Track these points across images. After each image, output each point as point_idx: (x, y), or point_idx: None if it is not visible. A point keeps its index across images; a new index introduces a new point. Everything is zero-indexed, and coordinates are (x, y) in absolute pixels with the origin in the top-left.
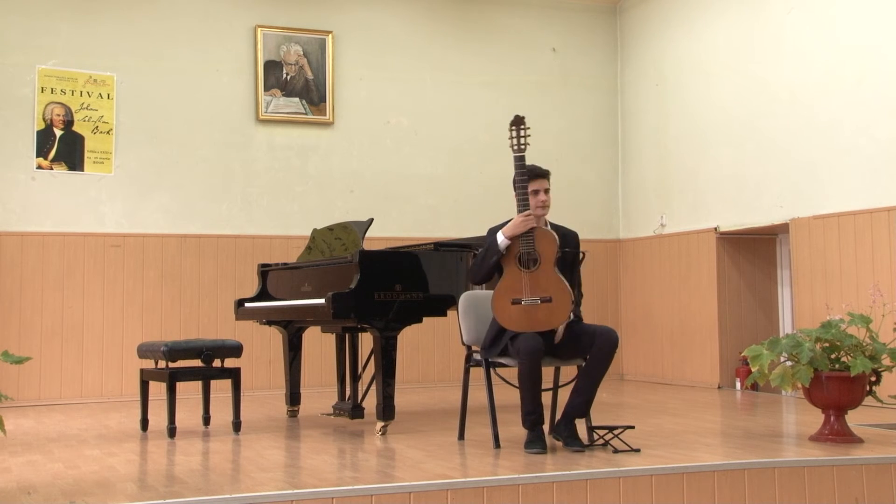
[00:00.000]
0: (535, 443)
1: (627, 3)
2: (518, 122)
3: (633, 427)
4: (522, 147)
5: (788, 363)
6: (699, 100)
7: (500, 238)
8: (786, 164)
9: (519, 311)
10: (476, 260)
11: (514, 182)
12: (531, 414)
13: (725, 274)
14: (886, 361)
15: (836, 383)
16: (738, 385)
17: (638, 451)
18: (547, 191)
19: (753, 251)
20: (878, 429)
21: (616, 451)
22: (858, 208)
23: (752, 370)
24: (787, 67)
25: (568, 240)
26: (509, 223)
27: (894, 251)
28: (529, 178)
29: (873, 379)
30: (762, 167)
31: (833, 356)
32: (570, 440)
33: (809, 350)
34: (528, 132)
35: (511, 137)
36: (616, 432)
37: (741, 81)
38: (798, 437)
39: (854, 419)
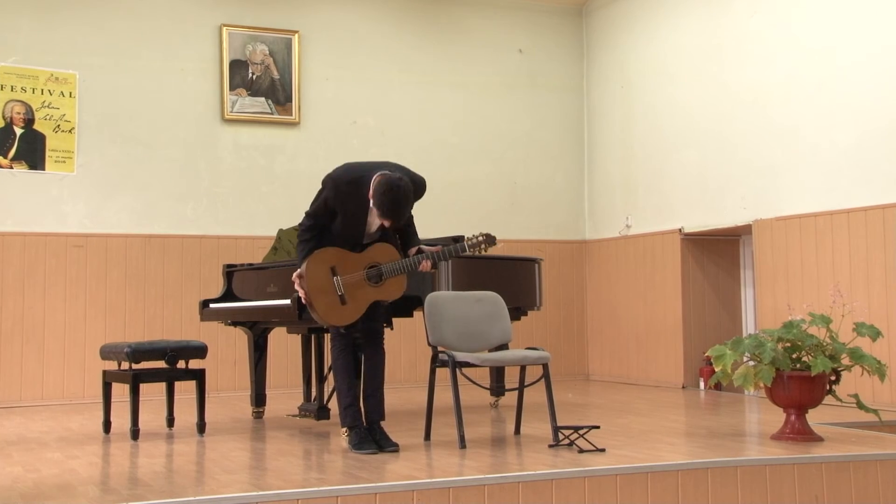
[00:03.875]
0: (368, 442)
1: (593, 4)
2: (493, 243)
3: (598, 427)
4: (473, 251)
5: (751, 363)
6: (664, 102)
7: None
8: (749, 167)
9: (323, 276)
10: (302, 244)
11: (446, 252)
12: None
13: (690, 275)
14: (846, 361)
15: (798, 383)
16: (702, 385)
17: (603, 450)
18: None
19: (717, 252)
20: (838, 427)
21: (581, 450)
22: (819, 210)
23: (716, 370)
24: (750, 71)
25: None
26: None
27: (854, 253)
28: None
29: (833, 378)
30: (726, 169)
31: (794, 356)
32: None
33: (771, 350)
34: (484, 250)
35: (477, 238)
36: (581, 432)
37: (705, 84)
38: (760, 436)
39: (814, 418)
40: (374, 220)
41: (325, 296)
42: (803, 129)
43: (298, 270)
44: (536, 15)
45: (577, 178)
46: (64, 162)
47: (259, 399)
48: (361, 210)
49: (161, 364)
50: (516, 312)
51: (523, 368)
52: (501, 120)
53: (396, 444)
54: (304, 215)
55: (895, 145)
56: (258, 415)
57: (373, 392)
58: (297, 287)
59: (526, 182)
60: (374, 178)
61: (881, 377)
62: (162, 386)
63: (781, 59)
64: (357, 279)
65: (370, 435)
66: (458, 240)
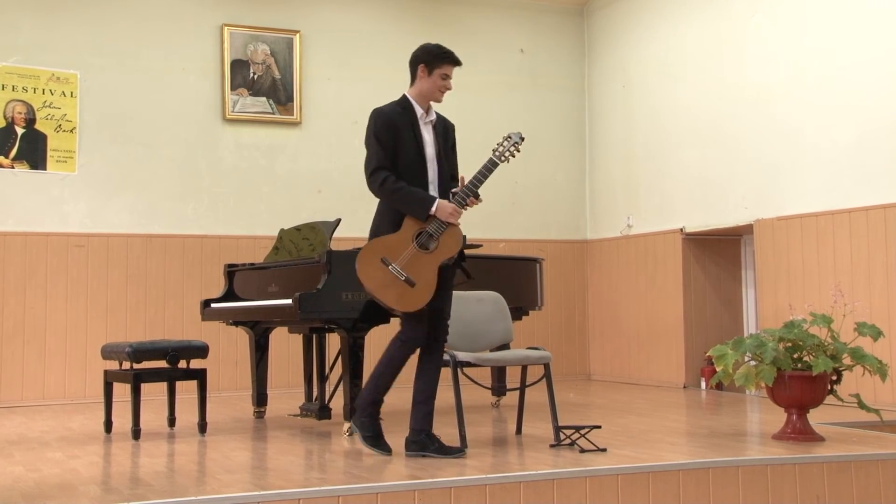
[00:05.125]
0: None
1: (595, 4)
2: (518, 140)
3: (599, 427)
4: (504, 159)
5: (752, 363)
6: (665, 101)
7: (434, 207)
8: (750, 166)
9: (380, 272)
10: (400, 194)
11: (478, 176)
12: (377, 404)
13: (691, 274)
14: (847, 361)
15: (799, 382)
16: (703, 385)
17: (604, 450)
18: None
19: (719, 252)
20: (839, 427)
21: (583, 450)
22: (820, 210)
23: (717, 370)
24: (752, 70)
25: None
26: (441, 204)
27: (855, 252)
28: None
29: (834, 378)
30: (727, 169)
31: (796, 356)
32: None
33: (773, 350)
34: (516, 151)
35: (502, 145)
36: (583, 432)
37: (706, 84)
38: (761, 436)
39: (816, 418)
40: (428, 136)
41: (390, 289)
42: (805, 128)
43: (447, 205)
44: (538, 15)
45: (578, 177)
46: (65, 162)
47: (260, 399)
48: (413, 125)
49: (162, 364)
50: (517, 312)
51: (524, 368)
52: (502, 120)
53: (461, 449)
54: (372, 173)
55: (893, 146)
56: (259, 414)
57: (426, 399)
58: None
59: (527, 182)
60: (414, 51)
61: (882, 377)
62: (163, 386)
63: (782, 58)
64: (411, 255)
65: (429, 443)
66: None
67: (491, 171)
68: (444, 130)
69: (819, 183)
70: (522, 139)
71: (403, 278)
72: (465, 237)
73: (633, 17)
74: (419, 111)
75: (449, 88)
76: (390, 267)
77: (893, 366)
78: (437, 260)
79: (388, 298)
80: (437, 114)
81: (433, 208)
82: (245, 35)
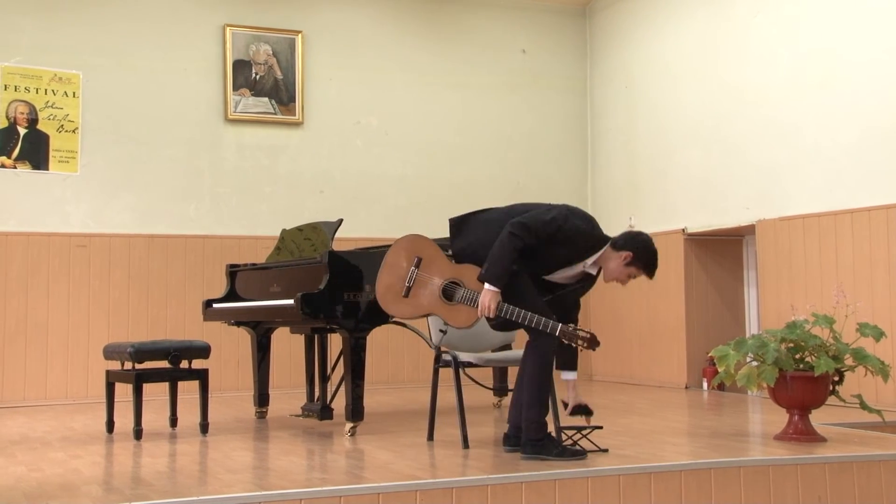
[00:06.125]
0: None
1: (597, 5)
2: (588, 342)
3: (601, 427)
4: (567, 339)
5: (754, 363)
6: (667, 102)
7: (491, 287)
8: (752, 167)
9: (403, 262)
10: (505, 255)
11: (530, 318)
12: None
13: (693, 275)
14: (849, 361)
15: (801, 383)
16: (705, 385)
17: (606, 451)
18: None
19: (721, 252)
20: (841, 428)
21: (585, 451)
22: (822, 210)
23: (719, 370)
24: (753, 71)
25: None
26: (494, 293)
27: (857, 253)
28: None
29: (836, 379)
30: (729, 169)
31: (798, 356)
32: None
33: (774, 350)
34: (578, 346)
35: (578, 334)
36: (585, 432)
37: (708, 84)
38: (763, 437)
39: (817, 418)
40: (564, 275)
41: (389, 277)
42: (806, 128)
43: (496, 298)
44: (539, 15)
45: (580, 178)
46: (67, 162)
47: (262, 399)
48: (572, 262)
49: (164, 364)
50: None
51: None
52: (504, 120)
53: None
54: (521, 231)
55: (895, 145)
56: (261, 415)
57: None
58: (485, 311)
59: (529, 182)
60: (631, 235)
61: (884, 378)
62: (165, 386)
63: (784, 58)
64: (430, 284)
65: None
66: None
67: (539, 326)
68: (579, 282)
69: (821, 183)
70: (594, 346)
71: (407, 285)
72: (588, 410)
73: (635, 17)
74: (588, 263)
75: (624, 284)
76: (412, 268)
77: (895, 366)
78: (436, 309)
79: (380, 280)
80: (590, 274)
81: (490, 286)
82: (247, 35)
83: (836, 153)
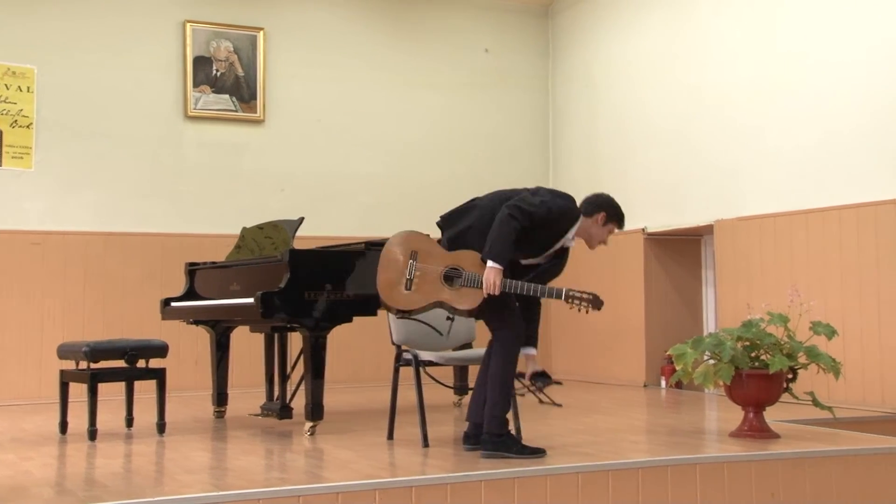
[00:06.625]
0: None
1: (559, 5)
2: (594, 304)
3: (560, 383)
4: (571, 303)
5: (711, 361)
6: (628, 102)
7: (493, 265)
8: (711, 167)
9: (401, 256)
10: (505, 236)
11: (535, 289)
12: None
13: (653, 274)
14: (802, 359)
15: (756, 381)
16: (664, 383)
17: (560, 405)
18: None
19: (680, 252)
20: (794, 424)
21: (541, 402)
22: (779, 211)
23: (677, 369)
24: (713, 72)
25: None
26: (497, 271)
27: (811, 253)
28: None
29: (790, 376)
30: (689, 169)
31: (753, 354)
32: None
33: (731, 349)
34: (584, 309)
35: (581, 296)
36: (541, 384)
37: (668, 85)
38: (719, 434)
39: (772, 415)
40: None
41: (389, 272)
42: (765, 130)
43: (500, 275)
44: (502, 14)
45: (542, 177)
46: (21, 158)
47: (221, 398)
48: (555, 239)
49: (120, 363)
50: None
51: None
52: (470, 119)
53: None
54: (518, 214)
55: (853, 149)
56: (219, 414)
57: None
58: (491, 288)
59: (494, 181)
60: (594, 198)
61: (836, 375)
62: (121, 386)
63: (744, 61)
64: (431, 273)
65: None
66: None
67: (550, 297)
68: (553, 259)
69: (778, 184)
70: (598, 306)
71: (407, 278)
72: (547, 376)
73: (597, 17)
74: (569, 236)
75: (606, 244)
76: (411, 261)
77: (847, 364)
78: (443, 296)
79: (380, 278)
80: (565, 249)
81: (492, 264)
82: (207, 32)
83: (793, 155)
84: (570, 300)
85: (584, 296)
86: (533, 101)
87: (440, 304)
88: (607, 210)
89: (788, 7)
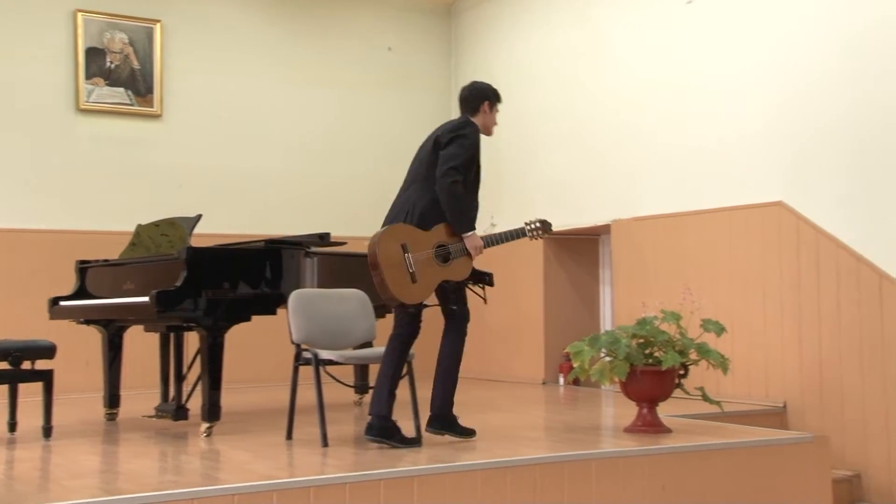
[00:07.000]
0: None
1: (462, 5)
2: (547, 229)
3: (492, 285)
4: (532, 237)
5: (607, 359)
6: (528, 104)
7: (471, 233)
8: (609, 168)
9: (396, 253)
10: (460, 203)
11: (505, 236)
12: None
13: (552, 273)
14: (693, 356)
15: (649, 377)
16: (561, 380)
17: (485, 301)
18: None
19: (578, 251)
20: (685, 419)
21: (472, 291)
22: (672, 211)
23: (574, 366)
24: (610, 76)
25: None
26: (475, 235)
27: (703, 252)
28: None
29: (682, 372)
30: (587, 171)
31: (647, 352)
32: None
33: (626, 346)
34: (540, 237)
35: (535, 225)
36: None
37: (568, 88)
38: (614, 429)
39: (664, 410)
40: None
41: (396, 271)
42: (659, 134)
43: (479, 239)
44: (405, 13)
45: None
46: None
47: (113, 400)
48: (478, 150)
49: (4, 365)
50: (381, 310)
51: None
52: (373, 118)
53: (472, 431)
54: (450, 171)
55: (742, 154)
56: (111, 417)
57: (439, 379)
58: (478, 252)
59: (396, 179)
60: (467, 93)
61: (724, 370)
62: (4, 388)
63: (635, 67)
64: (426, 257)
65: (447, 424)
66: (323, 237)
67: (515, 239)
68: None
69: (671, 186)
70: (549, 229)
71: (411, 271)
72: (488, 274)
73: (499, 18)
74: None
75: (496, 124)
76: (406, 255)
77: (734, 360)
78: (443, 275)
79: (390, 279)
80: None
81: (470, 233)
82: (101, 22)
83: (684, 158)
84: (530, 234)
85: (537, 225)
86: (436, 101)
87: (444, 283)
88: (488, 98)
89: (683, 17)
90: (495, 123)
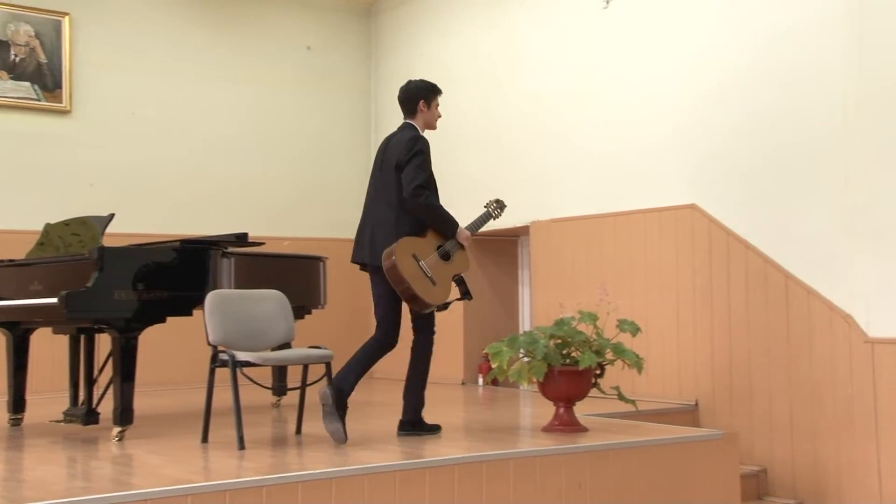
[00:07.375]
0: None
1: (381, 5)
2: (503, 206)
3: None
4: (495, 217)
5: (525, 359)
6: (447, 106)
7: (460, 226)
8: (527, 171)
9: (413, 265)
10: (439, 212)
11: (480, 221)
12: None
13: (471, 274)
14: (609, 355)
15: (567, 377)
16: (480, 381)
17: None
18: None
19: (497, 252)
20: (601, 418)
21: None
22: (589, 213)
23: (493, 366)
24: (527, 80)
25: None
26: (462, 228)
27: (618, 254)
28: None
29: (598, 372)
30: (505, 173)
31: (565, 352)
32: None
33: (544, 346)
34: (500, 214)
35: (494, 205)
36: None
37: (486, 91)
38: (532, 429)
39: (581, 410)
40: None
41: (421, 281)
42: (574, 138)
43: (465, 231)
44: (324, 12)
45: (363, 178)
46: None
47: (18, 405)
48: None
49: None
50: (300, 311)
51: (306, 367)
52: (291, 117)
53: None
54: (418, 188)
55: (655, 158)
56: (16, 422)
57: (407, 381)
58: (469, 241)
59: (315, 180)
60: (404, 94)
61: (639, 370)
62: None
63: (551, 71)
64: (435, 260)
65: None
66: (241, 237)
67: (487, 220)
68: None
69: (587, 188)
70: (504, 206)
71: (429, 276)
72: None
73: (418, 20)
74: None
75: (440, 116)
76: (420, 263)
77: (648, 359)
78: (452, 271)
79: (418, 288)
80: None
81: (459, 233)
82: (4, 14)
83: (600, 161)
84: (494, 215)
85: (495, 205)
86: (355, 101)
87: (457, 277)
88: (422, 96)
89: (598, 23)
90: (438, 116)
